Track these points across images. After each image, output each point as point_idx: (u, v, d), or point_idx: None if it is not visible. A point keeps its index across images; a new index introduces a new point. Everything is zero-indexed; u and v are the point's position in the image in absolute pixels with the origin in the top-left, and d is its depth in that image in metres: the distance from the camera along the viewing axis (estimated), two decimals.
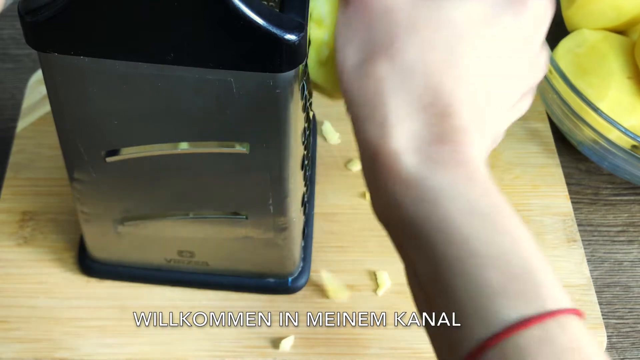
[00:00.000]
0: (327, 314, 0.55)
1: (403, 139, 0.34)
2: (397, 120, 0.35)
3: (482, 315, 0.32)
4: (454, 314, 0.33)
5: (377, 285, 0.57)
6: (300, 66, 0.40)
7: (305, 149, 0.49)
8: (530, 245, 0.34)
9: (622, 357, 0.56)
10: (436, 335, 0.35)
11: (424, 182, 0.34)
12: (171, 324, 0.55)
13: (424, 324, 0.36)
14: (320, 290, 0.56)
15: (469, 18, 0.36)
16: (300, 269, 0.56)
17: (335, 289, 0.55)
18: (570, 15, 0.66)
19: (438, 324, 0.34)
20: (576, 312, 0.33)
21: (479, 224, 0.33)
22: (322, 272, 0.56)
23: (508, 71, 0.37)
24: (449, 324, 0.34)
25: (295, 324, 0.55)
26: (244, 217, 0.50)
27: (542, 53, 0.40)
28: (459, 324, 0.33)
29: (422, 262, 0.34)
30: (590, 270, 0.59)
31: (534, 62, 0.40)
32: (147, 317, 0.55)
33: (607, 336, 0.56)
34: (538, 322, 0.32)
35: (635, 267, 0.60)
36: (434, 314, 0.34)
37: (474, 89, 0.36)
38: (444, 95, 0.35)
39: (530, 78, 0.40)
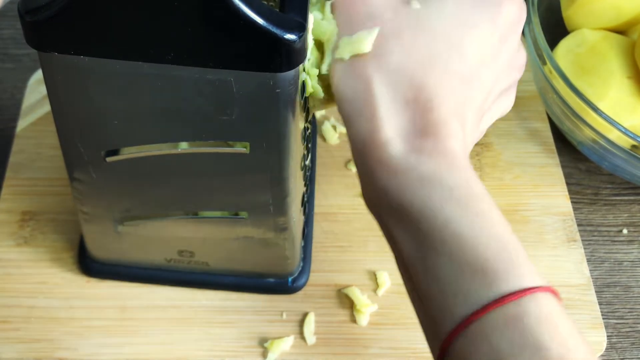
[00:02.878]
0: (327, 314, 0.55)
1: (390, 131, 0.38)
2: (385, 115, 0.38)
3: (463, 293, 0.35)
4: (436, 292, 0.36)
5: (377, 285, 0.57)
6: (301, 66, 0.40)
7: (305, 149, 0.49)
8: (506, 229, 0.37)
9: (622, 357, 0.56)
10: (422, 313, 0.39)
11: (409, 170, 0.37)
12: (171, 324, 0.55)
13: (411, 303, 0.40)
14: (321, 290, 0.57)
15: (446, 24, 0.39)
16: (300, 269, 0.56)
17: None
18: (570, 15, 0.66)
19: (423, 303, 0.37)
20: (551, 290, 0.35)
21: (459, 209, 0.36)
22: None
23: (486, 70, 0.40)
24: (432, 303, 0.37)
25: (295, 324, 0.55)
26: (244, 217, 0.50)
27: (519, 53, 0.43)
28: (442, 303, 0.36)
29: (407, 244, 0.38)
30: (590, 270, 0.59)
31: (511, 62, 0.42)
32: (147, 317, 0.55)
33: (607, 336, 0.56)
34: (515, 299, 0.34)
35: (635, 267, 0.60)
36: (418, 294, 0.38)
37: (453, 86, 0.39)
38: (425, 92, 0.38)
39: (508, 77, 0.43)
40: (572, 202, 0.63)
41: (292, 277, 0.56)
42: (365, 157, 0.39)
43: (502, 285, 0.35)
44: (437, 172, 0.37)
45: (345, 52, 0.39)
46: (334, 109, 0.50)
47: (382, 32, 0.39)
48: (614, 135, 0.58)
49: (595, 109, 0.58)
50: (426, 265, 0.37)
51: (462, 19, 0.40)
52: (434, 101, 0.38)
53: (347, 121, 0.40)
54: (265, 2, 0.40)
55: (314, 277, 0.57)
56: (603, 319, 0.56)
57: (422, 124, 0.38)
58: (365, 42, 0.39)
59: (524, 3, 0.42)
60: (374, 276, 0.57)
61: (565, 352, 0.34)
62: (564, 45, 0.65)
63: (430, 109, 0.38)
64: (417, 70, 0.38)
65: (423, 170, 0.37)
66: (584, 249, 0.60)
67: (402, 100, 0.38)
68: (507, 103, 0.44)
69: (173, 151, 0.45)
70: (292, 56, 0.39)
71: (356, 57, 0.39)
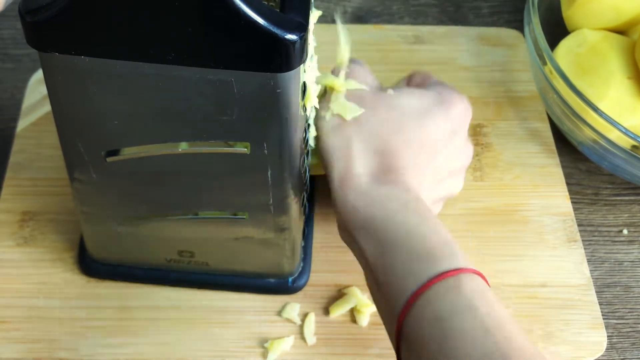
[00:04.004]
0: (327, 314, 0.55)
1: (361, 169, 0.50)
2: (358, 159, 0.50)
3: (413, 274, 0.44)
4: (392, 279, 0.45)
5: None
6: (301, 66, 0.40)
7: (305, 149, 0.49)
8: (447, 232, 0.47)
9: (622, 357, 0.56)
10: (381, 302, 0.47)
11: (373, 191, 0.49)
12: (171, 324, 0.55)
13: (373, 302, 0.49)
14: (321, 290, 0.57)
15: (411, 107, 0.51)
16: (300, 269, 0.56)
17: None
18: (571, 15, 0.66)
19: (381, 292, 0.46)
20: (480, 274, 0.45)
21: (410, 215, 0.47)
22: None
23: (440, 149, 0.51)
24: (389, 289, 0.46)
25: (295, 323, 0.55)
26: (244, 217, 0.50)
27: (467, 145, 0.55)
28: (396, 286, 0.45)
29: (371, 247, 0.47)
30: (590, 271, 0.59)
31: (460, 150, 0.54)
32: (147, 317, 0.55)
33: (608, 336, 0.56)
34: (453, 275, 0.44)
35: (636, 267, 0.60)
36: (378, 286, 0.47)
37: (413, 150, 0.50)
38: (391, 147, 0.50)
39: (457, 160, 0.54)
40: (572, 202, 0.63)
41: (292, 277, 0.56)
42: (341, 187, 0.49)
43: (443, 265, 0.44)
44: (394, 192, 0.49)
45: (335, 110, 0.51)
46: None
47: (363, 106, 0.51)
48: (614, 135, 0.58)
49: (595, 109, 0.58)
50: (385, 260, 0.46)
51: (423, 106, 0.52)
52: (397, 153, 0.50)
53: (328, 165, 0.50)
54: (266, 2, 0.40)
55: (314, 277, 0.57)
56: (603, 319, 0.56)
57: (387, 166, 0.50)
58: (352, 113, 0.51)
59: (469, 105, 0.54)
60: None
61: (491, 311, 0.42)
62: (564, 45, 0.65)
63: (393, 157, 0.50)
64: (386, 134, 0.50)
65: (384, 191, 0.49)
66: (584, 249, 0.60)
67: (372, 151, 0.50)
68: (457, 184, 0.55)
69: (173, 151, 0.45)
70: (292, 56, 0.39)
71: (340, 120, 0.51)
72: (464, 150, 0.54)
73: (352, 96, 0.52)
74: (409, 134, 0.50)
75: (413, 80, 0.58)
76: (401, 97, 0.52)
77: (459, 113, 0.52)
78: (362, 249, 0.48)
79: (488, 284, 0.45)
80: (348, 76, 0.53)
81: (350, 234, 0.49)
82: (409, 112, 0.51)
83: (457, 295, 0.43)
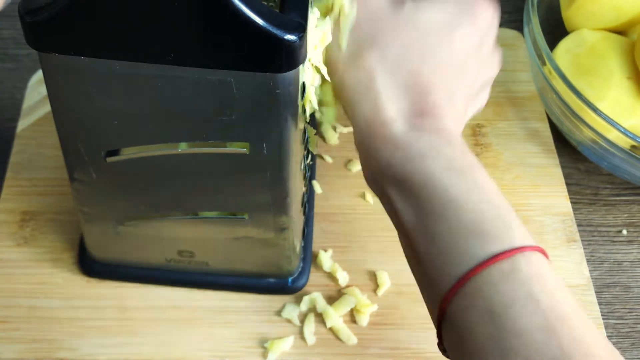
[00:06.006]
0: (327, 314, 0.55)
1: (392, 112, 0.42)
2: (387, 98, 0.42)
3: (460, 253, 0.38)
4: (435, 254, 0.40)
5: (377, 285, 0.57)
6: (300, 66, 0.40)
7: (305, 149, 0.49)
8: (499, 196, 0.41)
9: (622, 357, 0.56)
10: (421, 278, 0.42)
11: (410, 144, 0.41)
12: (171, 324, 0.55)
13: (412, 272, 0.43)
14: (321, 290, 0.57)
15: (436, 23, 0.45)
16: (300, 269, 0.56)
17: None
18: (570, 16, 0.66)
19: (422, 267, 0.41)
20: (541, 250, 0.39)
21: (457, 177, 0.40)
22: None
23: (470, 64, 0.46)
24: (431, 265, 0.40)
25: (295, 324, 0.55)
26: (244, 217, 0.50)
27: (494, 53, 0.48)
28: (440, 264, 0.39)
29: (408, 213, 0.41)
30: (589, 271, 0.59)
31: (490, 58, 0.48)
32: (147, 317, 0.55)
33: (607, 336, 0.56)
34: (508, 256, 0.38)
35: (635, 267, 0.60)
36: (418, 258, 0.41)
37: (445, 75, 0.44)
38: (421, 79, 0.43)
39: (488, 71, 0.48)
40: (571, 202, 0.63)
41: (292, 277, 0.56)
42: (369, 136, 0.43)
43: (496, 245, 0.38)
44: (436, 145, 0.41)
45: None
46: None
47: (380, 28, 0.44)
48: (613, 135, 0.58)
49: (594, 109, 0.58)
50: (426, 229, 0.40)
51: (447, 20, 0.45)
52: (430, 87, 0.43)
53: (350, 106, 0.44)
54: (265, 3, 0.40)
55: (314, 277, 0.57)
56: (603, 319, 0.56)
57: (421, 106, 0.42)
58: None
59: (498, 7, 0.47)
60: (374, 276, 0.57)
61: (554, 302, 0.37)
62: (564, 45, 0.65)
63: (427, 93, 0.43)
64: (414, 60, 0.43)
65: (423, 144, 0.41)
66: (584, 249, 0.60)
67: (402, 86, 0.43)
68: (483, 98, 0.49)
69: (173, 151, 0.45)
70: (292, 57, 0.39)
71: (357, 50, 0.44)
72: (493, 58, 0.48)
73: (366, 16, 0.44)
74: (438, 56, 0.44)
75: None
76: (422, 12, 0.45)
77: (487, 18, 0.46)
78: (397, 210, 0.42)
79: (548, 258, 0.39)
80: None
81: (381, 188, 0.43)
82: (434, 28, 0.44)
83: (514, 284, 0.37)
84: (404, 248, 0.43)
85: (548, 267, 0.39)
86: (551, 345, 0.35)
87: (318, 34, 0.43)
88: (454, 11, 0.45)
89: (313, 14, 0.42)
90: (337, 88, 0.45)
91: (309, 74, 0.44)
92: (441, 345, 0.41)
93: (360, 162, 0.45)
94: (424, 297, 0.42)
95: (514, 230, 0.39)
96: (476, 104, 0.48)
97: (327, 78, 0.45)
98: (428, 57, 0.43)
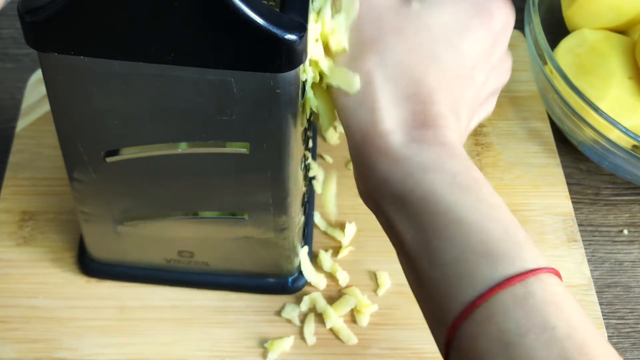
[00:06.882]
0: (327, 314, 0.55)
1: (392, 122, 0.39)
2: (385, 107, 0.39)
3: (469, 276, 0.35)
4: (440, 278, 0.36)
5: (377, 285, 0.57)
6: (301, 66, 0.40)
7: (305, 149, 0.49)
8: (508, 213, 0.38)
9: (622, 357, 0.56)
10: (426, 303, 0.39)
11: (410, 158, 0.38)
12: (171, 324, 0.55)
13: (414, 295, 0.40)
14: (321, 290, 0.56)
15: (445, 25, 0.41)
16: (300, 269, 0.56)
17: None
18: (571, 15, 0.66)
19: (426, 291, 0.38)
20: (555, 272, 0.36)
21: (462, 194, 0.37)
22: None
23: (479, 71, 0.42)
24: (436, 290, 0.37)
25: (295, 324, 0.55)
26: (244, 217, 0.50)
27: (506, 59, 0.45)
28: (447, 288, 0.36)
29: (409, 232, 0.38)
30: (590, 271, 0.59)
31: (501, 64, 0.45)
32: (146, 317, 0.55)
33: (608, 336, 0.56)
34: (520, 280, 0.34)
35: (636, 267, 0.60)
36: (422, 282, 0.38)
37: (450, 83, 0.40)
38: (425, 87, 0.39)
39: (496, 80, 0.45)
40: (572, 202, 0.63)
41: (292, 277, 0.56)
42: (365, 147, 0.39)
43: (507, 268, 0.35)
44: (438, 159, 0.38)
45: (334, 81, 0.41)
46: None
47: (383, 29, 0.40)
48: (614, 135, 0.57)
49: (595, 109, 0.58)
50: (429, 251, 0.37)
51: (458, 22, 0.41)
52: (434, 96, 0.39)
53: (345, 113, 0.40)
54: (265, 2, 0.40)
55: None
56: (604, 319, 0.56)
57: (423, 117, 0.39)
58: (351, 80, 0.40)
59: (513, 8, 0.44)
60: (374, 276, 0.57)
61: (571, 331, 0.34)
62: (565, 45, 0.65)
63: (430, 103, 0.39)
64: (417, 66, 0.40)
65: (425, 158, 0.38)
66: (585, 249, 0.60)
67: (403, 94, 0.39)
68: (491, 105, 0.46)
69: (173, 151, 0.45)
70: (292, 56, 0.39)
71: (358, 52, 0.40)
72: (504, 64, 0.45)
73: (368, 15, 0.41)
74: (443, 64, 0.40)
75: None
76: (430, 13, 0.41)
77: (501, 20, 0.43)
78: (396, 228, 0.39)
79: (561, 279, 0.36)
80: None
81: (378, 206, 0.40)
82: (442, 31, 0.41)
83: (528, 310, 0.34)
84: (404, 268, 0.40)
85: (563, 290, 0.36)
86: None
87: (318, 28, 0.41)
88: (467, 12, 0.42)
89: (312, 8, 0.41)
90: (333, 92, 0.41)
91: (310, 71, 0.43)
92: None
93: (355, 177, 0.42)
94: (427, 321, 0.39)
95: (526, 250, 0.36)
96: (482, 113, 0.45)
97: (327, 72, 0.42)
98: (433, 64, 0.40)
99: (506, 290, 0.34)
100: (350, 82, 0.40)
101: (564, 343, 0.33)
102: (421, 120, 0.39)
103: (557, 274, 0.36)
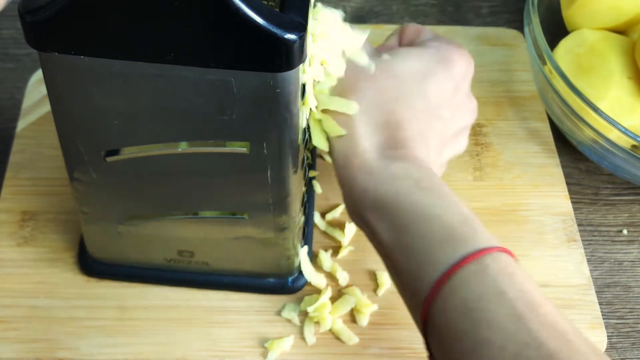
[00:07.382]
0: (322, 318, 0.55)
1: (367, 145, 0.47)
2: (363, 135, 0.47)
3: (434, 261, 0.42)
4: (413, 266, 0.43)
5: (377, 285, 0.57)
6: (300, 66, 0.40)
7: (305, 149, 0.49)
8: (464, 207, 0.44)
9: (622, 357, 0.56)
10: (403, 291, 0.45)
11: (383, 170, 0.46)
12: (171, 324, 0.55)
13: (396, 287, 0.46)
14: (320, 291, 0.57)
15: (411, 71, 0.49)
16: (300, 269, 0.56)
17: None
18: (570, 15, 0.66)
19: (402, 280, 0.44)
20: (507, 252, 0.42)
21: (423, 194, 0.44)
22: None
23: (444, 109, 0.49)
24: (410, 277, 0.43)
25: (295, 323, 0.55)
26: (244, 217, 0.50)
27: (470, 100, 0.53)
28: (418, 274, 0.42)
29: (385, 231, 0.45)
30: (590, 270, 0.59)
31: (464, 107, 0.52)
32: (146, 317, 0.55)
33: (608, 336, 0.56)
34: (476, 257, 0.41)
35: (636, 267, 0.60)
36: (398, 273, 0.44)
37: (417, 117, 0.47)
38: (394, 117, 0.47)
39: (462, 117, 0.52)
40: (572, 202, 0.63)
41: (292, 277, 0.56)
42: (347, 168, 0.47)
43: (464, 247, 0.42)
44: (405, 169, 0.45)
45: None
46: None
47: (359, 76, 0.48)
48: (614, 135, 0.58)
49: (595, 109, 0.58)
50: (402, 245, 0.44)
51: (423, 68, 0.49)
52: (403, 124, 0.47)
53: (331, 143, 0.48)
54: (265, 2, 0.40)
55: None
56: (603, 319, 0.56)
57: (394, 140, 0.47)
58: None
59: (471, 58, 0.51)
60: (373, 276, 0.57)
61: (520, 294, 0.40)
62: (564, 45, 0.65)
63: (398, 129, 0.47)
64: (388, 102, 0.47)
65: (394, 169, 0.45)
66: (584, 249, 0.60)
67: (376, 124, 0.47)
68: (461, 143, 0.53)
69: (173, 151, 0.45)
70: (292, 56, 0.39)
71: (339, 94, 0.48)
72: (468, 106, 0.52)
73: (347, 67, 0.48)
74: (411, 101, 0.48)
75: (405, 37, 0.55)
76: (398, 62, 0.49)
77: (461, 69, 0.50)
78: (376, 232, 0.45)
79: (515, 258, 0.42)
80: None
81: (360, 216, 0.46)
82: (408, 76, 0.48)
83: (483, 280, 0.40)
84: (387, 268, 0.46)
85: (514, 265, 0.42)
86: (521, 331, 0.38)
87: (318, 27, 0.44)
88: (430, 61, 0.49)
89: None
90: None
91: (311, 70, 0.44)
92: (431, 357, 0.43)
93: (343, 198, 0.48)
94: (409, 310, 0.45)
95: (480, 234, 0.43)
96: (453, 147, 0.52)
97: (331, 73, 0.48)
98: (402, 101, 0.47)
99: (464, 267, 0.41)
100: (348, 105, 0.47)
101: (514, 302, 0.39)
102: (393, 143, 0.47)
103: (510, 253, 0.42)
